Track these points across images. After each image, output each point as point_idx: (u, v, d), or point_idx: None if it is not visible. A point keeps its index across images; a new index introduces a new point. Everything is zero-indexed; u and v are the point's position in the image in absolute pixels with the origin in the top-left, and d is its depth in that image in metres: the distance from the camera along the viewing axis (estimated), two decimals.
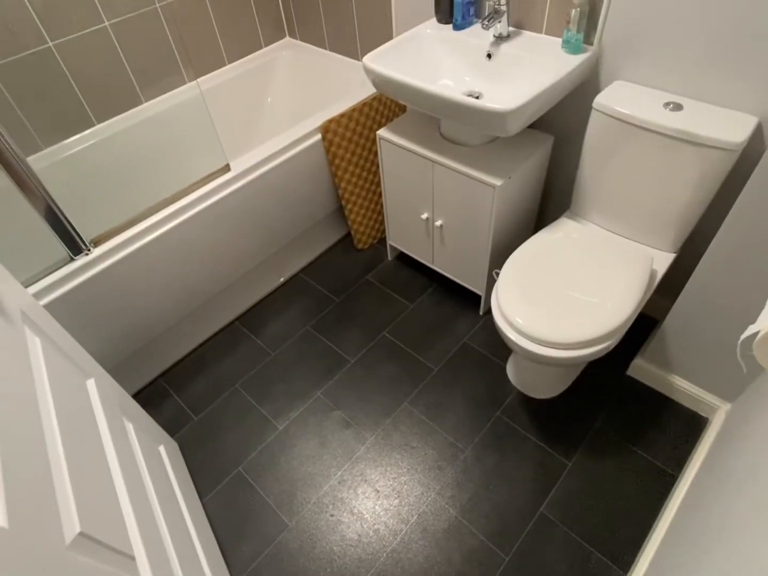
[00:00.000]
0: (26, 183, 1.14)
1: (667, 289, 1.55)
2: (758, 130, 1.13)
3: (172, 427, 1.55)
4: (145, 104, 1.84)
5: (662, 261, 1.33)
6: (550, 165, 1.60)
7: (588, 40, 1.27)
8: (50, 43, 1.56)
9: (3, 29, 1.46)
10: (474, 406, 1.51)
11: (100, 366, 1.14)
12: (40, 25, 1.53)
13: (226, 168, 1.50)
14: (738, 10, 1.02)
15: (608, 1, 1.18)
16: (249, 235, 1.66)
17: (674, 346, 1.36)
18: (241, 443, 1.49)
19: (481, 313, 1.75)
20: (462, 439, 1.44)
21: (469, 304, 1.78)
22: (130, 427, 1.09)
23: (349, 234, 2.09)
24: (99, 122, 1.76)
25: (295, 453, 1.46)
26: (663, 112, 1.15)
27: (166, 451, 1.30)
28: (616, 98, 1.20)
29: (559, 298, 1.20)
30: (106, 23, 1.64)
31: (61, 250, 1.28)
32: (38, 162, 1.63)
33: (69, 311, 1.30)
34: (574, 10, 1.19)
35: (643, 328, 1.62)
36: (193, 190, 1.44)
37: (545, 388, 1.50)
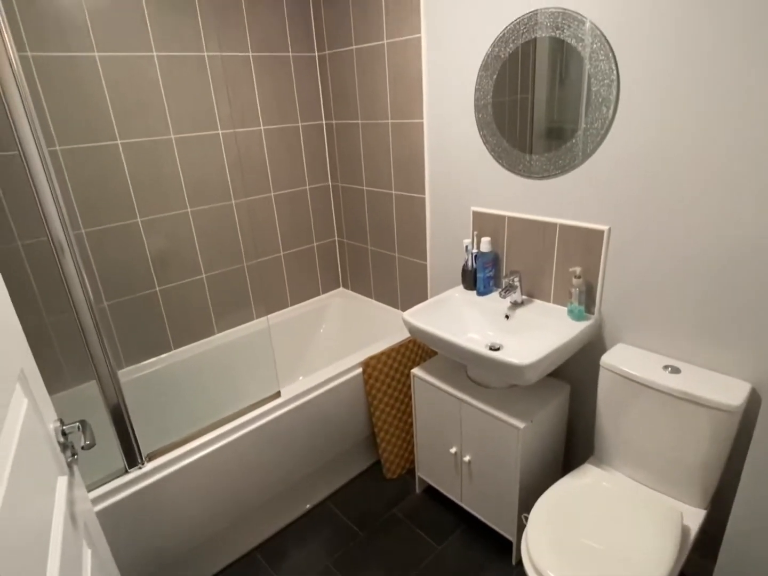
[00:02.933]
0: (112, 395, 1.35)
1: (708, 549, 1.47)
2: (753, 394, 1.26)
3: None
4: (217, 334, 2.19)
5: (693, 517, 1.31)
6: (570, 410, 1.72)
7: (589, 310, 1.54)
8: (156, 288, 1.99)
9: (124, 273, 1.89)
10: None
11: None
12: (153, 272, 1.97)
13: (277, 394, 1.70)
14: (710, 294, 1.28)
15: (601, 284, 1.49)
16: (286, 457, 1.76)
17: None
18: None
19: (513, 562, 1.64)
20: None
21: (500, 549, 1.69)
22: None
23: (378, 462, 2.14)
24: (176, 347, 2.08)
25: None
26: (663, 374, 1.32)
27: None
28: (620, 359, 1.40)
29: (592, 554, 1.17)
30: (203, 275, 2.10)
31: (119, 461, 1.40)
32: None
33: (106, 522, 1.35)
34: (574, 289, 1.49)
35: None
36: (244, 413, 1.61)
37: None
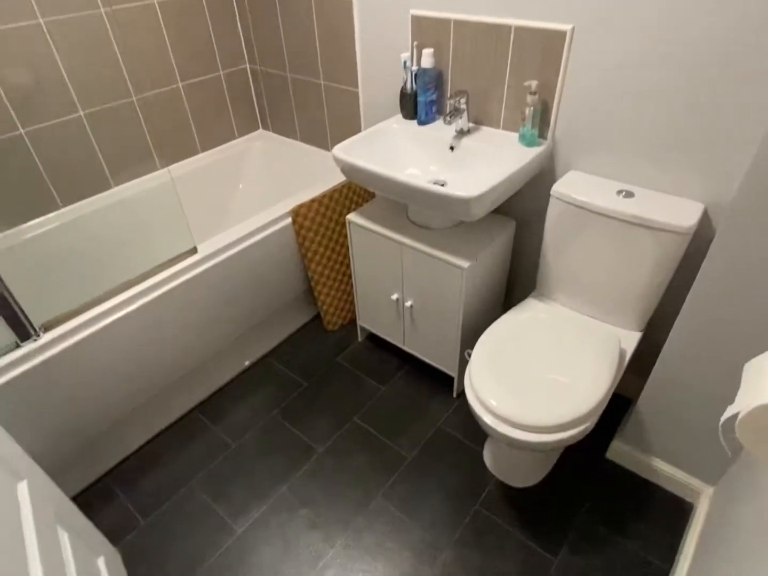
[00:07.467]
0: None
1: (640, 368, 1.56)
2: (705, 216, 1.21)
3: (116, 532, 1.38)
4: (115, 189, 1.85)
5: (629, 340, 1.34)
6: (514, 247, 1.65)
7: (542, 134, 1.37)
8: (21, 131, 1.57)
9: None
10: (452, 497, 1.41)
11: (38, 465, 1.01)
12: (13, 113, 1.54)
13: (193, 250, 1.48)
14: (671, 112, 1.13)
15: (558, 101, 1.30)
16: (214, 318, 1.61)
17: (650, 427, 1.34)
18: (194, 551, 1.33)
19: (454, 395, 1.70)
20: (441, 537, 1.33)
21: (442, 386, 1.74)
22: (64, 538, 0.96)
23: (318, 315, 2.06)
24: (65, 205, 1.74)
25: (255, 562, 1.30)
26: (616, 199, 1.22)
27: (106, 564, 1.14)
28: (572, 187, 1.28)
29: (533, 381, 1.18)
30: (81, 113, 1.68)
31: (9, 335, 1.19)
32: None
33: (9, 402, 1.19)
34: (528, 109, 1.30)
35: (619, 408, 1.60)
36: (156, 273, 1.40)
37: (524, 476, 1.43)
